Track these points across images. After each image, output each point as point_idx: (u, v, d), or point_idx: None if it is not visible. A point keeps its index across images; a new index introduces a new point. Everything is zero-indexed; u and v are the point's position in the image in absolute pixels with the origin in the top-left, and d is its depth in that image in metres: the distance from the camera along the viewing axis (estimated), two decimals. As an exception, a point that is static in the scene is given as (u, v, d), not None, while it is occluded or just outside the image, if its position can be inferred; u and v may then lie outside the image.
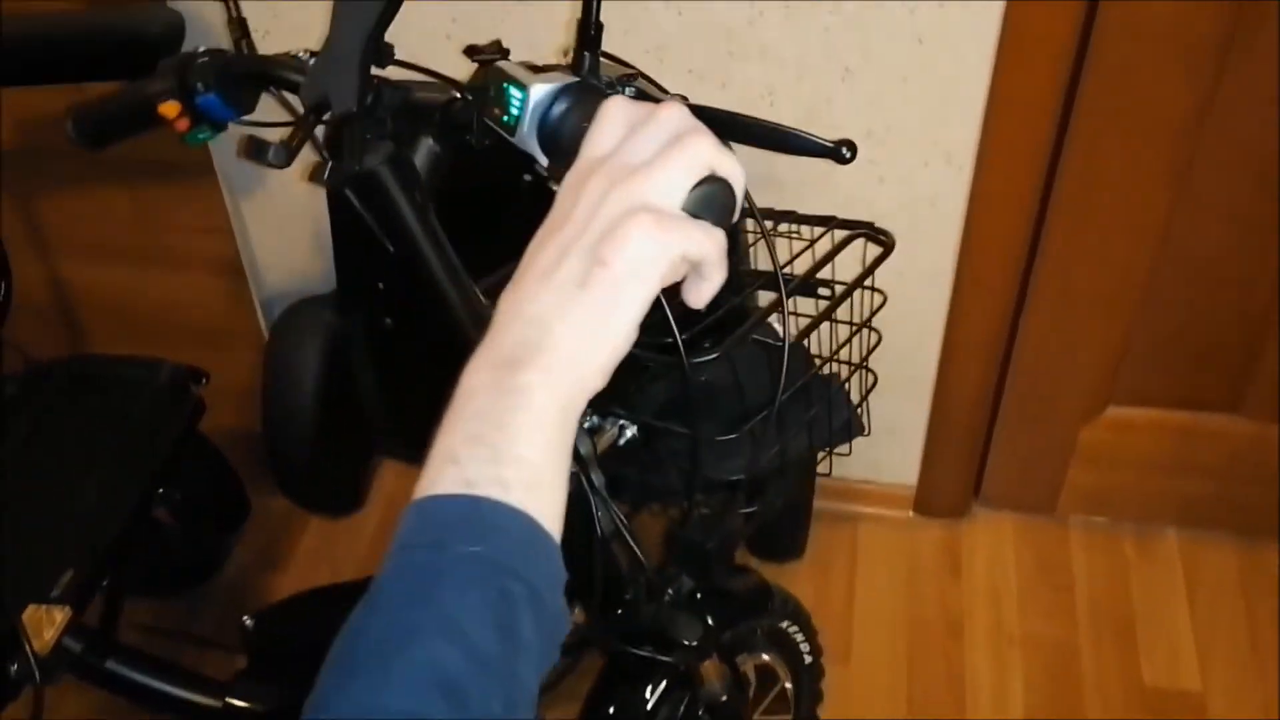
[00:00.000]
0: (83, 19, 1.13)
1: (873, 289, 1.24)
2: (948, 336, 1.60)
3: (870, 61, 1.34)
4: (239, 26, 0.97)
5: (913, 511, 1.85)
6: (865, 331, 1.27)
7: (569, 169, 0.54)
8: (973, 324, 1.59)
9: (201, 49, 0.91)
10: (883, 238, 1.26)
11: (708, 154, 0.50)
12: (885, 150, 1.42)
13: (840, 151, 0.71)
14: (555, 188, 0.54)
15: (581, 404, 0.49)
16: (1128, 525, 1.82)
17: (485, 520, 0.46)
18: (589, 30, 0.89)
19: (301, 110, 0.95)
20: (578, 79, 0.73)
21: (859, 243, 1.28)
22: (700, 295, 0.52)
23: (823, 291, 1.21)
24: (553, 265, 0.50)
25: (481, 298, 1.01)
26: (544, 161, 0.72)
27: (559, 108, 0.70)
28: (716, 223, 0.51)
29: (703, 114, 0.58)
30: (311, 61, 0.93)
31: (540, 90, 0.70)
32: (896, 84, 1.35)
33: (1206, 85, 1.34)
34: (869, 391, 1.33)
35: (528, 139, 0.71)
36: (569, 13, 1.37)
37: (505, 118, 0.72)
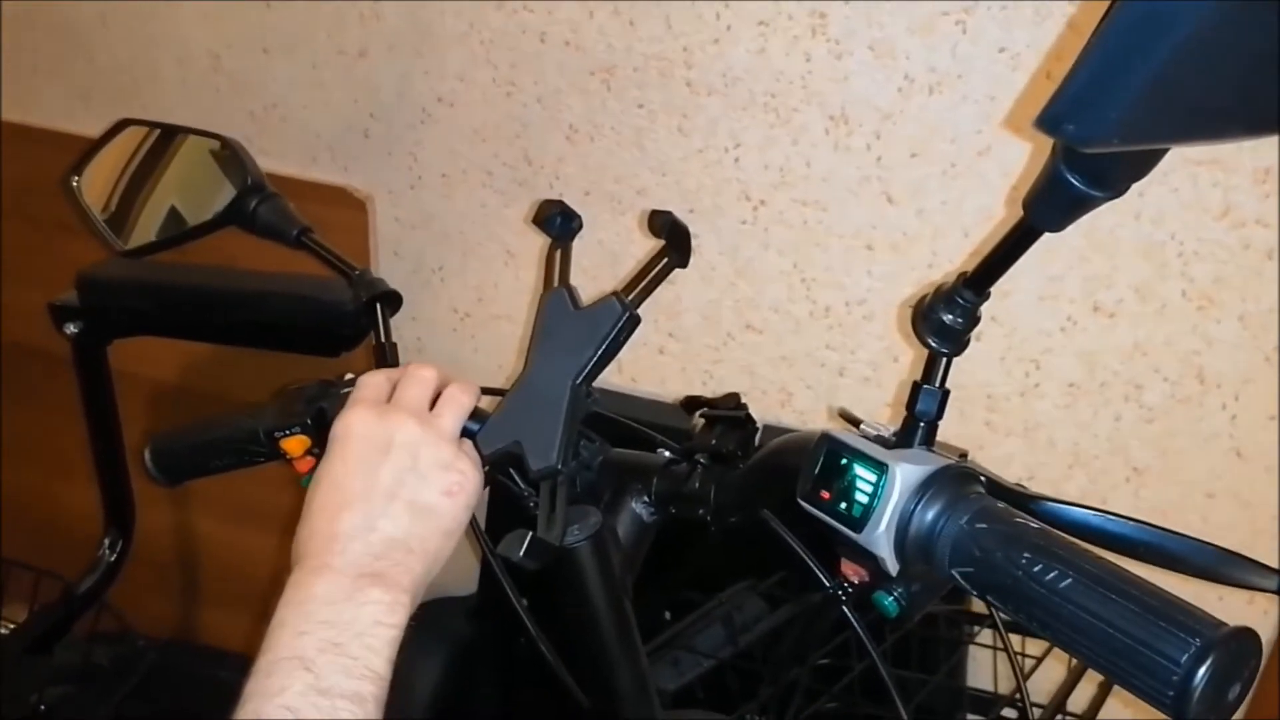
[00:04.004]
0: (283, 282, 1.00)
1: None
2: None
3: (1168, 464, 1.09)
4: (389, 351, 0.82)
5: None
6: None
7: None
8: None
9: (348, 376, 0.74)
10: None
11: None
12: (1166, 577, 1.14)
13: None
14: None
15: None
16: None
17: None
18: (936, 395, 0.56)
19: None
20: (947, 461, 0.53)
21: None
22: None
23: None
24: None
25: (660, 710, 0.77)
26: (893, 568, 0.52)
27: (931, 505, 0.50)
28: None
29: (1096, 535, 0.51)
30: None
31: (909, 475, 0.51)
32: (1199, 500, 1.09)
33: None
34: None
35: (879, 540, 0.51)
36: (792, 346, 1.19)
37: (848, 505, 0.52)
